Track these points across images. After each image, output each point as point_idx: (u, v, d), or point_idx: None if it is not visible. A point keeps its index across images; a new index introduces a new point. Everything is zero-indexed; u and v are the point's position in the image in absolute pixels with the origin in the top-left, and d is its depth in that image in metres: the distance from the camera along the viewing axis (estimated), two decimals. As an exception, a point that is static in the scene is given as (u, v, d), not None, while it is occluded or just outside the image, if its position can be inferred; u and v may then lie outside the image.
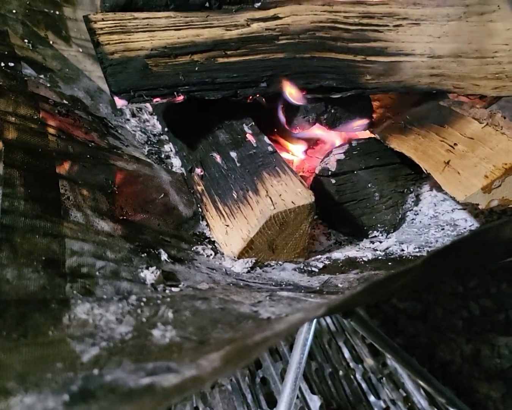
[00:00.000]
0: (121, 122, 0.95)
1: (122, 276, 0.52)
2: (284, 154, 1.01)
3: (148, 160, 0.85)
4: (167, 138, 0.94)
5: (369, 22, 0.84)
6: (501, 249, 0.51)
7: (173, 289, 0.53)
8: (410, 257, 0.74)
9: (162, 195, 0.76)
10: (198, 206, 0.77)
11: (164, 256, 0.62)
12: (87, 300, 0.44)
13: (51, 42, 1.02)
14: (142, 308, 0.45)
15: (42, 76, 0.92)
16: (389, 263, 0.72)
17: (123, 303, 0.45)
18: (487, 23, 0.89)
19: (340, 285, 0.65)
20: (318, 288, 0.65)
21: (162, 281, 0.54)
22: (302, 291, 0.61)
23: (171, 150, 0.92)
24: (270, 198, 0.68)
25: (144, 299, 0.47)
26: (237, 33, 0.77)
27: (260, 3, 0.81)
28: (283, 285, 0.65)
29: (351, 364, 1.26)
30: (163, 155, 0.92)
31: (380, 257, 0.76)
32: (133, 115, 0.98)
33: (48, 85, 0.90)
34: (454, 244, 0.39)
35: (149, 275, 0.54)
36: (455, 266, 0.53)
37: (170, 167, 0.90)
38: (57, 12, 1.09)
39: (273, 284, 0.66)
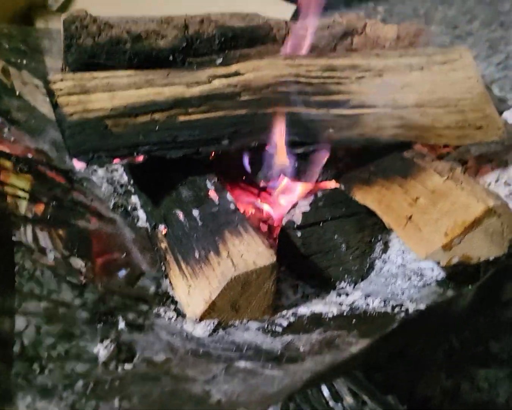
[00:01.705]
0: (87, 174, 0.95)
1: (72, 355, 0.51)
2: (253, 201, 1.01)
3: (112, 216, 0.84)
4: (134, 189, 0.93)
5: (332, 74, 0.84)
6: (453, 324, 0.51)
7: (126, 365, 0.52)
8: (374, 313, 0.74)
9: (124, 255, 0.75)
10: (162, 264, 0.76)
11: (121, 324, 0.61)
12: (30, 390, 0.43)
13: (17, 93, 1.02)
14: (87, 397, 0.44)
15: (6, 129, 0.91)
16: (353, 321, 0.72)
17: (68, 392, 0.44)
18: (450, 72, 0.91)
19: (301, 349, 0.65)
20: (279, 352, 0.64)
21: (115, 356, 0.53)
22: (262, 358, 0.60)
23: (138, 202, 0.91)
24: (231, 259, 0.68)
25: (91, 385, 0.46)
26: (199, 90, 0.77)
27: (222, 59, 0.81)
28: (244, 350, 0.64)
29: (331, 403, 1.24)
30: (129, 208, 0.92)
31: (345, 313, 0.76)
32: (100, 166, 0.97)
33: (12, 138, 0.89)
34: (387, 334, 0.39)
35: (102, 350, 0.53)
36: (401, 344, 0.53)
37: (136, 221, 0.89)
38: (24, 61, 1.09)
39: (234, 348, 0.65)
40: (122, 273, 0.81)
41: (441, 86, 0.90)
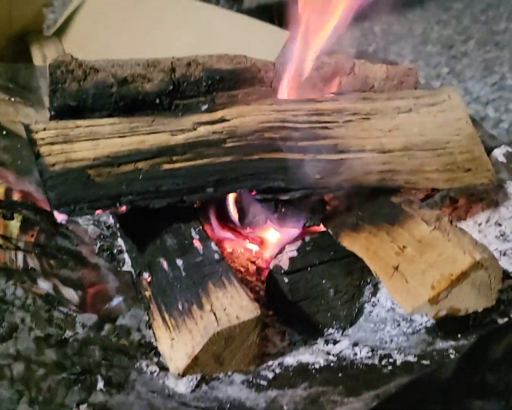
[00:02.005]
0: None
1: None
2: (241, 242, 1.00)
3: (97, 261, 0.83)
4: (121, 231, 0.92)
5: (318, 119, 0.84)
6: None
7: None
8: (361, 365, 0.72)
9: (107, 305, 0.74)
10: (146, 313, 0.75)
11: (100, 384, 0.59)
12: None
13: (4, 133, 1.01)
14: None
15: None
16: (339, 374, 0.71)
17: None
18: (438, 114, 0.90)
19: (285, 407, 0.63)
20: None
21: (91, 423, 0.52)
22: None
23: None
24: (214, 313, 0.67)
25: None
26: (183, 138, 0.76)
27: (207, 106, 0.81)
28: (227, 408, 0.63)
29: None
30: (115, 251, 0.91)
31: (332, 364, 0.74)
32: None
33: (-3, 179, 0.89)
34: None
35: (78, 417, 0.52)
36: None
37: (121, 264, 0.88)
38: (12, 99, 1.08)
39: (216, 407, 0.63)
40: (116, 301, 0.80)
41: (430, 128, 0.89)
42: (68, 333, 0.68)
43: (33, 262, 0.78)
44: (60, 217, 0.68)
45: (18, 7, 1.74)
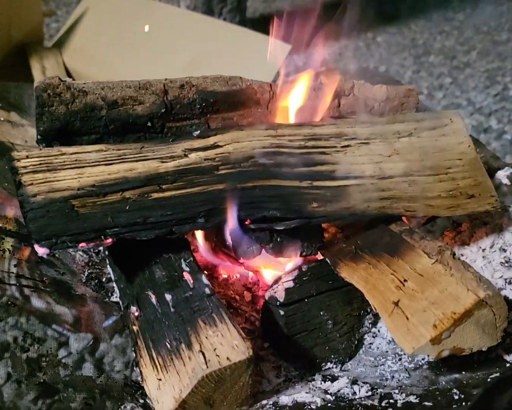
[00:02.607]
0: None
1: None
2: (237, 267, 0.97)
3: (84, 291, 0.80)
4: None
5: (315, 144, 0.80)
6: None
7: None
8: (360, 406, 0.68)
9: (91, 342, 0.70)
10: (133, 349, 0.71)
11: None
12: None
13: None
14: None
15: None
16: (337, 417, 0.67)
17: None
18: (440, 138, 0.87)
19: (278, 457, 0.60)
20: None
21: None
22: None
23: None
24: (203, 354, 0.63)
25: None
26: (174, 165, 0.73)
27: (199, 132, 0.77)
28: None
29: None
30: (104, 279, 0.87)
31: (329, 404, 0.70)
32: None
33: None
34: None
35: None
36: None
37: (110, 294, 0.84)
38: (2, 118, 1.05)
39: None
40: (111, 320, 0.77)
41: (431, 153, 0.86)
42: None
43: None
44: (41, 251, 0.65)
45: (18, 18, 1.73)
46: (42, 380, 0.64)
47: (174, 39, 1.78)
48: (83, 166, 0.70)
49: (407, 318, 0.67)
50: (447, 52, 3.21)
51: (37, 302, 0.73)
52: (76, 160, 0.71)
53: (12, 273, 0.75)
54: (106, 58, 1.76)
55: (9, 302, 0.70)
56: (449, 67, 2.99)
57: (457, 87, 2.77)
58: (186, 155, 0.74)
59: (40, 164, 0.69)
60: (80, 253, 0.90)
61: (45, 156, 0.70)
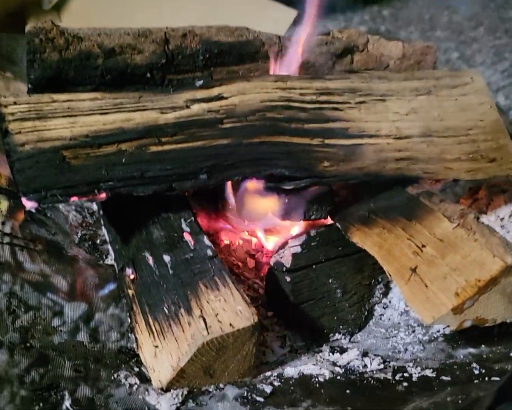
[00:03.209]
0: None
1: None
2: (240, 233, 0.91)
3: (76, 253, 0.74)
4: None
5: (328, 99, 0.74)
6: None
7: None
8: (372, 381, 0.64)
9: (83, 306, 0.65)
10: (128, 314, 0.66)
11: (67, 402, 0.51)
12: None
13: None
14: None
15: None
16: (347, 391, 0.62)
17: None
18: (460, 97, 0.81)
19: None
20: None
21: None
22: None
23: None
24: (204, 319, 0.58)
25: None
26: (174, 116, 0.67)
27: (202, 81, 0.71)
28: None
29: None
30: (98, 241, 0.82)
31: (338, 377, 0.65)
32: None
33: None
34: None
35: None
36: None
37: (104, 256, 0.79)
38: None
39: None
40: (108, 288, 0.72)
41: (450, 113, 0.80)
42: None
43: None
44: (29, 204, 0.59)
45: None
46: (35, 349, 0.59)
47: (179, 3, 1.71)
48: (76, 115, 0.65)
49: (426, 286, 0.61)
50: (454, 27, 3.12)
51: (30, 266, 0.68)
52: (68, 108, 0.65)
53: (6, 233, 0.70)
54: (106, 22, 1.69)
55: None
56: (456, 42, 2.92)
57: (464, 62, 2.70)
58: (188, 107, 0.68)
59: (29, 111, 0.63)
60: (73, 212, 0.84)
61: (34, 103, 0.64)
